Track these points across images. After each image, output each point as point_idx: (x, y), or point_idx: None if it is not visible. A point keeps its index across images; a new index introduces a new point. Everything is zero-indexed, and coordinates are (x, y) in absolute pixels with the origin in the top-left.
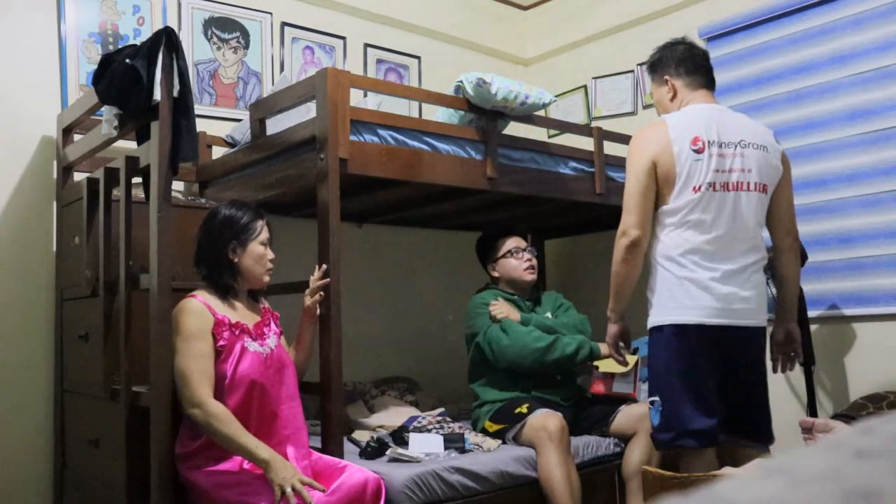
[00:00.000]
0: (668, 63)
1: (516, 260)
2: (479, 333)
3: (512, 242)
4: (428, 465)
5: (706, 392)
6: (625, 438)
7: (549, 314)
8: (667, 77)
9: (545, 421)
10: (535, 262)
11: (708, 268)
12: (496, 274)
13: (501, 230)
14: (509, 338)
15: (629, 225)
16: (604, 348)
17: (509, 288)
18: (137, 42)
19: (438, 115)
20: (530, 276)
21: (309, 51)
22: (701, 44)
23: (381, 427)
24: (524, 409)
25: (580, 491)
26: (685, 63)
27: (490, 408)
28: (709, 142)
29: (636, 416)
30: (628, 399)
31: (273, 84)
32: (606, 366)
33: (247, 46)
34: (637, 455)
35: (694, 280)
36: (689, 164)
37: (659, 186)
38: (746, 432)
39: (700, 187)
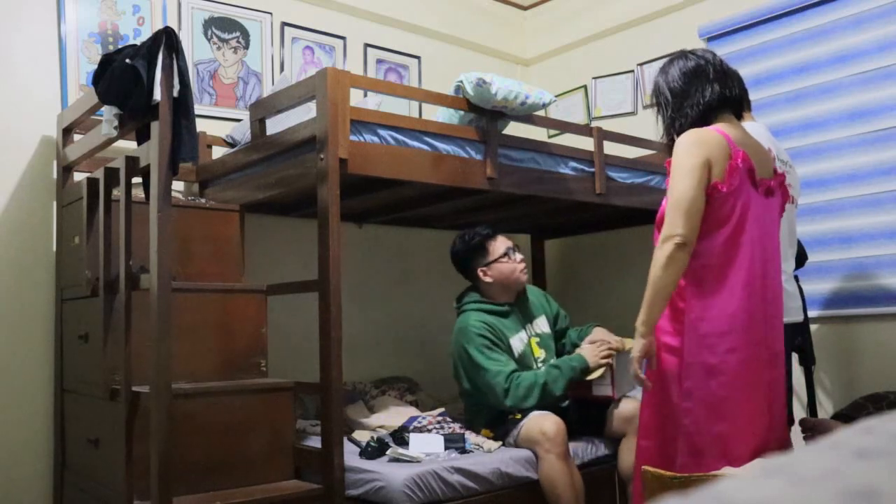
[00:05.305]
0: None
1: (513, 262)
2: (470, 382)
3: (504, 243)
4: (428, 465)
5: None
6: (619, 439)
7: (543, 317)
8: None
9: (541, 424)
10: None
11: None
12: (489, 279)
13: (488, 232)
14: (507, 398)
15: None
16: (586, 353)
17: (503, 295)
18: (137, 42)
19: (438, 115)
20: (526, 276)
21: (309, 51)
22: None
23: (381, 427)
24: (517, 414)
25: (584, 492)
26: None
27: (485, 416)
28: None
29: (624, 417)
30: (610, 401)
31: (273, 84)
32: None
33: (247, 46)
34: (630, 456)
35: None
36: None
37: None
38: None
39: None
